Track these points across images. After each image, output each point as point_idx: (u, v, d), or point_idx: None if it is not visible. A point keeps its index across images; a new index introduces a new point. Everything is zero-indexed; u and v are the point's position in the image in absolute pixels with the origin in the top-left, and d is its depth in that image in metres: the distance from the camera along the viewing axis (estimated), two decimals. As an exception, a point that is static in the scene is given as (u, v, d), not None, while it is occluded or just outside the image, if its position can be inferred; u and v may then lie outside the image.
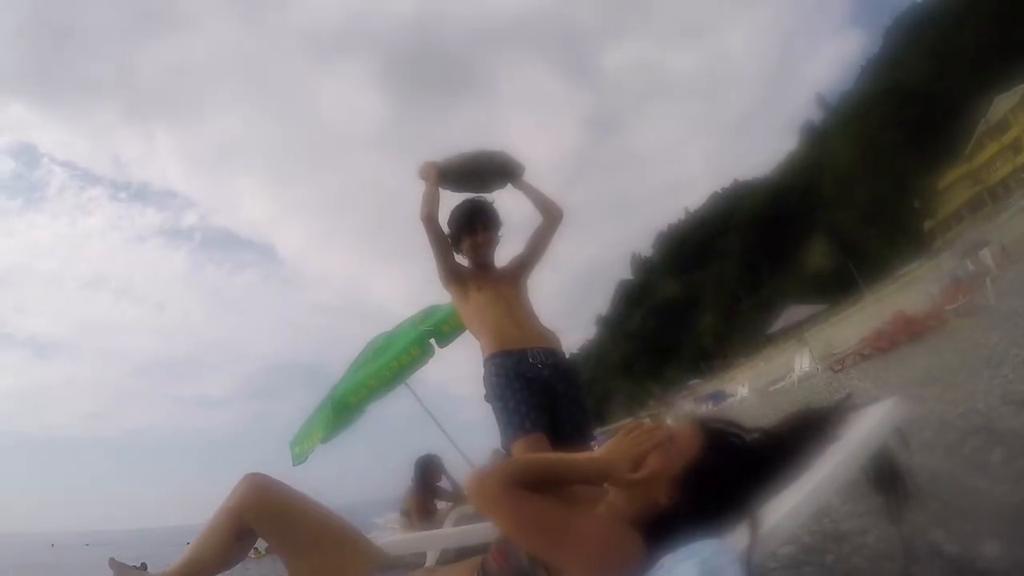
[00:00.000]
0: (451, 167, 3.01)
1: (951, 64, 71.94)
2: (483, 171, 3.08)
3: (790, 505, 1.22)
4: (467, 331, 3.07)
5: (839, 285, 64.41)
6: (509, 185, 3.17)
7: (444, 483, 6.38)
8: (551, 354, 2.77)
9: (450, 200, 3.06)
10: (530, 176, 3.20)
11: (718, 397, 33.52)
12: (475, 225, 2.99)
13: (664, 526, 1.23)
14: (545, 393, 2.64)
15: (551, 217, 3.12)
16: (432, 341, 5.72)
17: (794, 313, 28.83)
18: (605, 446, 1.38)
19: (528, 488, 1.24)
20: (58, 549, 77.91)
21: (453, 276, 2.95)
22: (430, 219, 2.87)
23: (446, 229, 2.99)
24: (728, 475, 1.27)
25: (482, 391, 2.79)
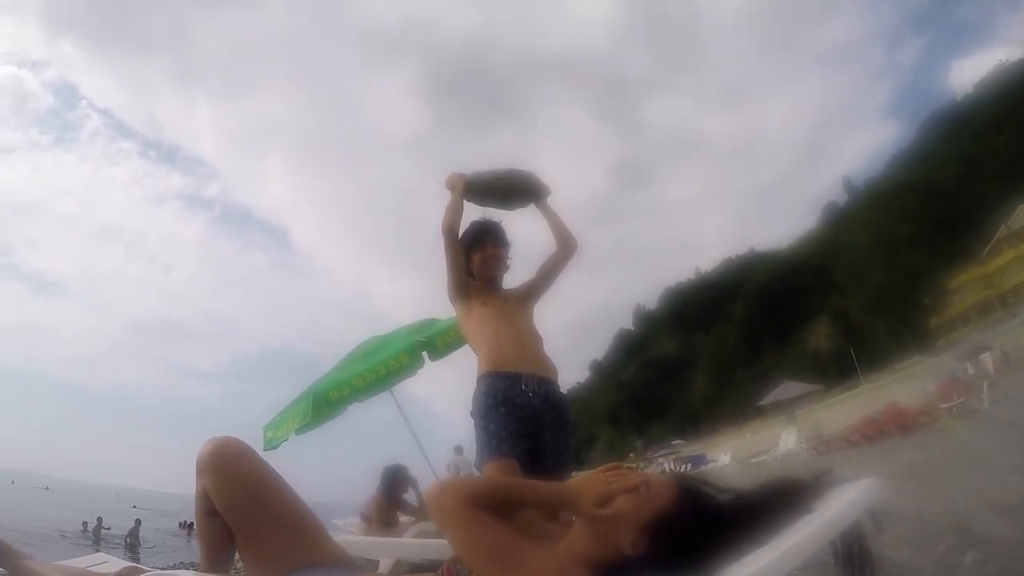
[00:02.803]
0: (479, 180, 3.05)
1: (981, 166, 72.37)
2: (510, 187, 3.14)
3: (752, 571, 1.19)
4: (460, 349, 3.08)
5: (837, 368, 64.33)
6: (532, 206, 3.22)
7: (409, 495, 6.32)
8: (545, 383, 2.76)
9: (472, 215, 3.09)
10: (552, 205, 3.24)
11: (699, 460, 33.27)
12: (484, 240, 3.03)
13: (622, 573, 1.20)
14: (531, 422, 2.63)
15: (566, 247, 3.16)
16: (424, 353, 5.70)
17: (788, 389, 28.84)
18: (576, 478, 1.34)
19: (489, 508, 1.21)
20: (18, 488, 77.74)
21: (461, 290, 2.97)
22: (451, 230, 2.90)
23: None
24: (696, 532, 1.24)
25: (469, 407, 2.78)
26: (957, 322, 61.17)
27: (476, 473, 2.76)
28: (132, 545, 21.01)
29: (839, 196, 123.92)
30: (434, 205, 3.01)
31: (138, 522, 22.49)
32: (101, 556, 1.93)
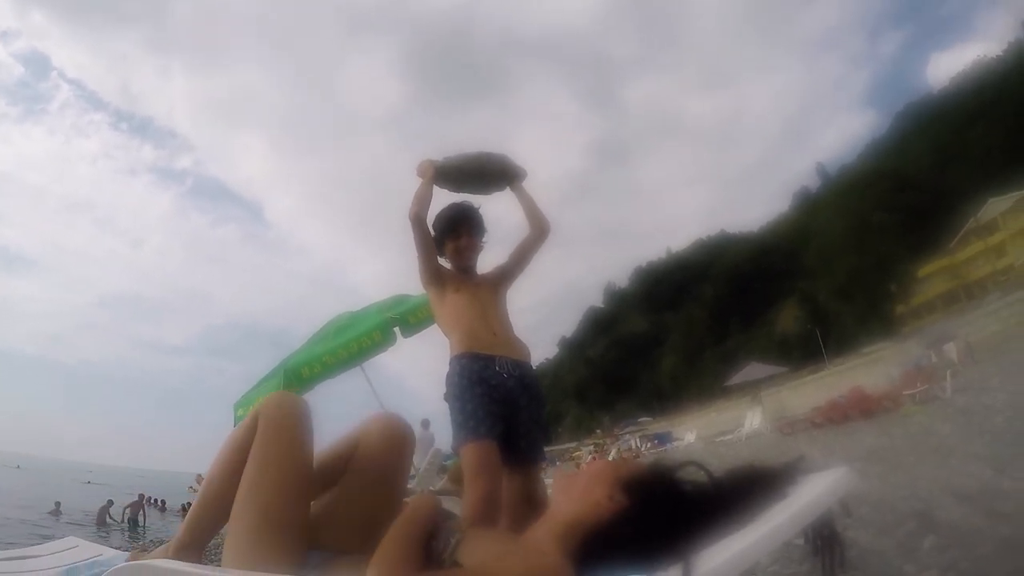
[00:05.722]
0: (450, 166, 3.01)
1: (953, 159, 73.10)
2: (483, 171, 3.08)
3: (725, 556, 1.20)
4: (433, 327, 3.06)
5: (803, 351, 65.16)
6: (507, 188, 3.17)
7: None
8: (518, 365, 2.76)
9: (444, 199, 3.05)
10: (528, 186, 3.20)
11: (664, 438, 33.63)
12: (459, 229, 2.99)
13: (599, 553, 1.20)
14: (506, 403, 2.62)
15: (539, 229, 3.12)
16: (396, 329, 5.68)
17: (754, 370, 29.16)
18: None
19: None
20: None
21: (434, 276, 2.95)
22: (417, 219, 2.85)
23: (432, 231, 2.98)
24: (672, 512, 1.25)
25: (442, 389, 2.78)
26: (923, 310, 62.08)
27: (443, 450, 2.75)
28: (133, 521, 20.18)
29: (812, 182, 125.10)
30: (410, 182, 2.97)
31: (141, 496, 21.51)
32: (72, 540, 1.88)
